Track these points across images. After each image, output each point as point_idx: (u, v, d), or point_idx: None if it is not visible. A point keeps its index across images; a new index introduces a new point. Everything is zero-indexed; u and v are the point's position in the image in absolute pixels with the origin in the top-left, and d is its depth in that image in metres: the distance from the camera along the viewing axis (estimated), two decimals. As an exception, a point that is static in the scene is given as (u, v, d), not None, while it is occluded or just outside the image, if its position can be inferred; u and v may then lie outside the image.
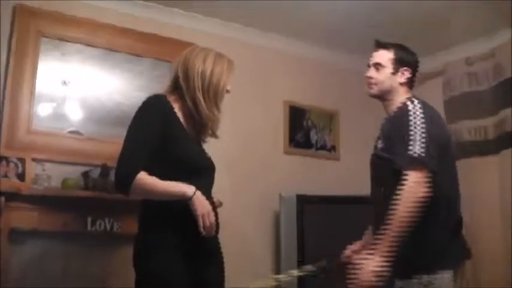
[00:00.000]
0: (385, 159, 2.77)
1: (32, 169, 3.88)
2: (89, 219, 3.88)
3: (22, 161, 3.83)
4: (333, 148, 5.51)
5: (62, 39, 4.22)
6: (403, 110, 2.76)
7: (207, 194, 2.63)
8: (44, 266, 3.80)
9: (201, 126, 2.73)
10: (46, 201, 3.75)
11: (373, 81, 3.04)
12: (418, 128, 2.62)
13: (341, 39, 5.25)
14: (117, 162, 2.50)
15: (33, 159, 3.90)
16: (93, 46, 4.34)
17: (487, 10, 4.43)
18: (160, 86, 4.13)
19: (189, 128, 2.70)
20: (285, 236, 4.60)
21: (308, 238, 4.55)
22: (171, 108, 2.64)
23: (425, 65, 5.44)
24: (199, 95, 2.66)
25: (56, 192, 3.84)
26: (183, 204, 2.49)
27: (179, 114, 2.66)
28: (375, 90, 3.04)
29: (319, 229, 4.62)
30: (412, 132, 2.61)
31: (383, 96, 3.03)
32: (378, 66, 3.02)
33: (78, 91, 4.29)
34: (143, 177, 2.44)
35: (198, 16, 4.77)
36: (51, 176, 3.90)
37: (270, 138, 5.10)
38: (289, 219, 4.59)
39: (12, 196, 3.62)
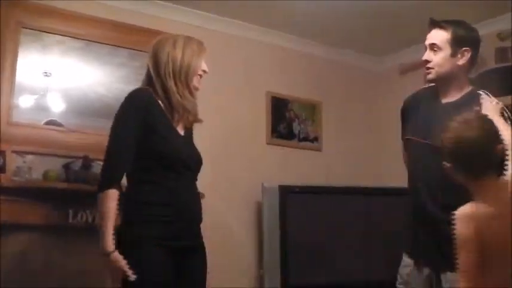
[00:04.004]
0: None
1: (13, 161, 3.85)
2: (71, 212, 3.87)
3: (2, 153, 3.79)
4: (316, 139, 5.51)
5: (43, 30, 4.19)
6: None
7: (190, 188, 2.65)
8: (26, 259, 3.77)
9: (179, 114, 2.70)
10: (27, 194, 3.74)
11: (430, 64, 2.78)
12: None
13: (323, 30, 5.25)
14: (102, 164, 2.59)
15: (14, 152, 3.87)
16: (74, 37, 4.30)
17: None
18: (140, 77, 4.12)
19: (173, 119, 2.69)
20: (268, 226, 4.60)
21: (291, 228, 4.57)
22: (155, 101, 2.63)
23: (409, 55, 5.50)
24: (170, 81, 2.64)
25: (37, 184, 3.83)
26: (165, 198, 2.53)
27: (162, 106, 2.65)
28: (432, 74, 2.79)
29: (302, 219, 4.64)
30: None
31: (441, 81, 2.81)
32: (434, 47, 2.77)
33: (60, 83, 4.27)
34: (108, 198, 2.47)
35: (180, 7, 4.75)
36: (32, 168, 3.87)
37: (252, 129, 5.10)
38: (272, 210, 4.60)
39: (-8, 189, 3.60)
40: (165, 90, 2.65)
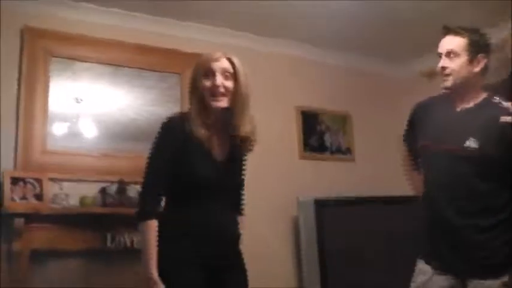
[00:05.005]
0: (496, 163, 2.65)
1: (50, 189, 3.89)
2: (109, 236, 3.90)
3: (39, 181, 3.85)
4: (348, 150, 5.49)
5: (72, 58, 4.26)
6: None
7: (219, 211, 2.60)
8: (65, 284, 3.80)
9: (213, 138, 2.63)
10: (65, 220, 3.77)
11: (448, 71, 2.74)
12: None
13: (348, 42, 5.25)
14: (139, 194, 2.60)
15: (50, 179, 3.92)
16: (102, 63, 4.37)
17: (488, 4, 4.39)
18: (169, 98, 4.15)
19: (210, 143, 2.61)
20: (305, 240, 4.59)
21: (328, 241, 4.54)
22: (185, 128, 2.55)
23: (436, 60, 5.46)
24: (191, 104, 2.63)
25: (74, 211, 3.87)
26: (201, 218, 2.53)
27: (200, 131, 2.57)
28: (450, 81, 2.74)
29: (339, 232, 4.60)
30: None
31: (458, 88, 2.76)
32: (451, 54, 2.73)
33: (91, 108, 4.31)
34: (149, 228, 2.48)
35: (205, 27, 4.79)
36: (69, 194, 3.92)
37: (284, 144, 5.10)
38: (308, 224, 4.58)
39: (32, 217, 3.65)
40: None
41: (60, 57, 4.20)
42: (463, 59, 2.72)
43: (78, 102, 4.26)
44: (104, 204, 3.95)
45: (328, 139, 5.39)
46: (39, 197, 3.81)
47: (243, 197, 2.88)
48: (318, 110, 5.37)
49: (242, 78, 2.62)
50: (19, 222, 3.58)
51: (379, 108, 5.71)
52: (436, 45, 4.91)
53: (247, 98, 2.66)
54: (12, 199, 3.70)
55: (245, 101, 2.65)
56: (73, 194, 3.95)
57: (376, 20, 4.75)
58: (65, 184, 3.97)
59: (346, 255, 4.59)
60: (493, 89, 2.89)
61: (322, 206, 4.61)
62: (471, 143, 2.65)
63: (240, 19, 4.74)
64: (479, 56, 2.72)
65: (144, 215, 2.50)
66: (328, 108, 5.43)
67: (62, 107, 4.17)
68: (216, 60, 2.61)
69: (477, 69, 2.73)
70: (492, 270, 2.62)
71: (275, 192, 4.87)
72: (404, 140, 3.24)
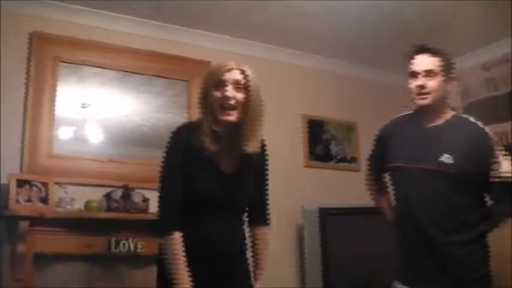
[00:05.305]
0: (470, 177, 2.70)
1: (55, 192, 3.91)
2: (113, 241, 3.90)
3: (44, 184, 3.86)
4: (353, 159, 5.49)
5: (80, 63, 4.28)
6: (485, 136, 2.75)
7: (223, 225, 2.54)
8: (70, 288, 3.82)
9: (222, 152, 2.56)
10: (70, 224, 3.79)
11: (426, 90, 2.77)
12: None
13: (355, 52, 5.26)
14: (158, 207, 2.48)
15: (56, 183, 3.94)
16: (110, 69, 4.39)
17: (497, 15, 4.41)
18: (176, 105, 4.16)
19: (220, 154, 2.54)
20: (309, 248, 4.58)
21: (332, 250, 4.54)
22: (193, 139, 2.49)
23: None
24: (201, 115, 2.55)
25: (79, 215, 3.88)
26: (202, 233, 2.49)
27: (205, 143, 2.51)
28: (429, 100, 2.77)
29: (343, 241, 4.60)
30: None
31: (434, 107, 2.81)
32: (430, 73, 2.78)
33: (98, 114, 4.33)
34: (175, 243, 2.40)
35: (213, 35, 4.82)
36: (74, 198, 3.93)
37: (290, 153, 5.11)
38: (313, 232, 4.58)
39: (36, 220, 3.65)
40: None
41: (68, 62, 4.23)
42: (440, 78, 2.77)
43: (84, 107, 4.27)
44: (109, 209, 3.96)
45: (333, 148, 5.39)
46: (44, 200, 3.82)
47: (267, 207, 2.79)
48: (324, 118, 5.38)
49: (254, 91, 2.50)
50: (24, 224, 3.58)
51: (385, 118, 5.67)
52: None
53: (258, 113, 2.54)
54: (18, 201, 3.71)
55: (256, 116, 2.53)
56: (78, 198, 3.95)
57: (383, 29, 4.77)
58: (70, 188, 3.98)
59: (350, 264, 4.59)
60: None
61: (326, 214, 4.60)
62: (446, 159, 2.68)
63: (247, 28, 4.77)
64: (452, 75, 2.82)
65: (168, 229, 2.42)
66: (334, 117, 5.43)
67: (68, 111, 4.20)
68: (229, 70, 2.49)
69: (450, 88, 2.82)
70: (473, 283, 2.68)
71: (280, 200, 4.84)
72: (370, 163, 3.28)
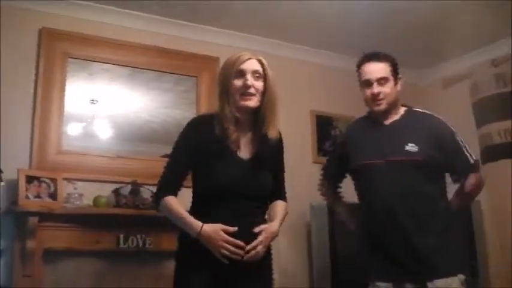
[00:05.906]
0: (435, 162, 2.86)
1: (64, 188, 3.92)
2: (121, 236, 3.91)
3: (54, 180, 3.87)
4: (362, 156, 5.47)
5: (89, 59, 4.29)
6: (441, 121, 2.98)
7: (239, 214, 2.54)
8: (78, 284, 3.83)
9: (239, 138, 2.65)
10: (78, 220, 3.80)
11: (381, 96, 2.95)
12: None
13: (364, 48, 5.22)
14: (157, 183, 2.64)
15: (65, 179, 3.95)
16: (119, 65, 4.40)
17: (507, 11, 4.39)
18: (185, 101, 4.16)
19: (238, 140, 2.63)
20: (317, 245, 4.57)
21: (340, 246, 4.53)
22: (212, 125, 2.59)
23: (450, 68, 5.46)
24: (220, 102, 2.64)
25: (88, 211, 3.89)
26: (220, 219, 2.50)
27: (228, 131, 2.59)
28: (384, 105, 2.97)
29: (351, 237, 4.59)
30: (462, 144, 2.93)
31: (389, 109, 3.00)
32: (382, 81, 2.95)
33: (107, 110, 4.35)
34: (169, 201, 2.54)
35: (222, 31, 4.82)
36: (82, 194, 3.95)
37: (298, 149, 5.08)
38: (321, 229, 4.57)
39: (45, 216, 3.67)
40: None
41: (77, 59, 4.24)
42: (391, 83, 2.97)
43: (93, 103, 4.29)
44: (117, 205, 3.97)
45: (342, 144, 5.38)
46: (53, 196, 3.84)
47: (283, 186, 2.95)
48: (333, 114, 5.37)
49: (271, 80, 2.69)
50: (33, 220, 3.60)
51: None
52: (452, 54, 4.98)
53: (275, 98, 2.71)
54: (27, 197, 3.72)
55: (274, 101, 2.70)
56: (87, 194, 3.97)
57: (392, 27, 4.76)
58: (79, 184, 4.00)
59: (358, 261, 4.58)
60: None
61: (334, 211, 4.59)
62: (410, 148, 2.85)
63: (256, 24, 4.76)
64: (399, 77, 3.02)
65: (159, 195, 2.57)
66: (343, 113, 5.41)
67: (77, 107, 4.21)
68: (247, 61, 2.64)
69: (399, 88, 3.01)
70: (451, 269, 2.77)
71: (288, 195, 4.81)
72: (328, 165, 3.50)
